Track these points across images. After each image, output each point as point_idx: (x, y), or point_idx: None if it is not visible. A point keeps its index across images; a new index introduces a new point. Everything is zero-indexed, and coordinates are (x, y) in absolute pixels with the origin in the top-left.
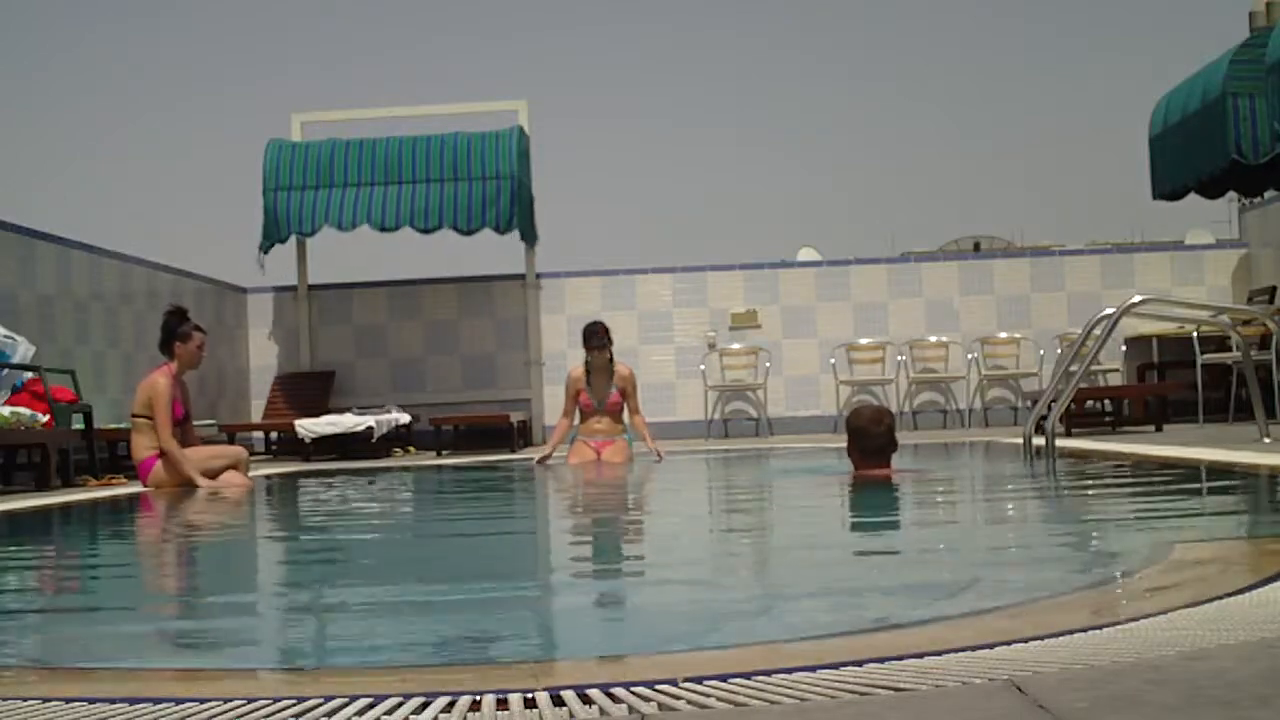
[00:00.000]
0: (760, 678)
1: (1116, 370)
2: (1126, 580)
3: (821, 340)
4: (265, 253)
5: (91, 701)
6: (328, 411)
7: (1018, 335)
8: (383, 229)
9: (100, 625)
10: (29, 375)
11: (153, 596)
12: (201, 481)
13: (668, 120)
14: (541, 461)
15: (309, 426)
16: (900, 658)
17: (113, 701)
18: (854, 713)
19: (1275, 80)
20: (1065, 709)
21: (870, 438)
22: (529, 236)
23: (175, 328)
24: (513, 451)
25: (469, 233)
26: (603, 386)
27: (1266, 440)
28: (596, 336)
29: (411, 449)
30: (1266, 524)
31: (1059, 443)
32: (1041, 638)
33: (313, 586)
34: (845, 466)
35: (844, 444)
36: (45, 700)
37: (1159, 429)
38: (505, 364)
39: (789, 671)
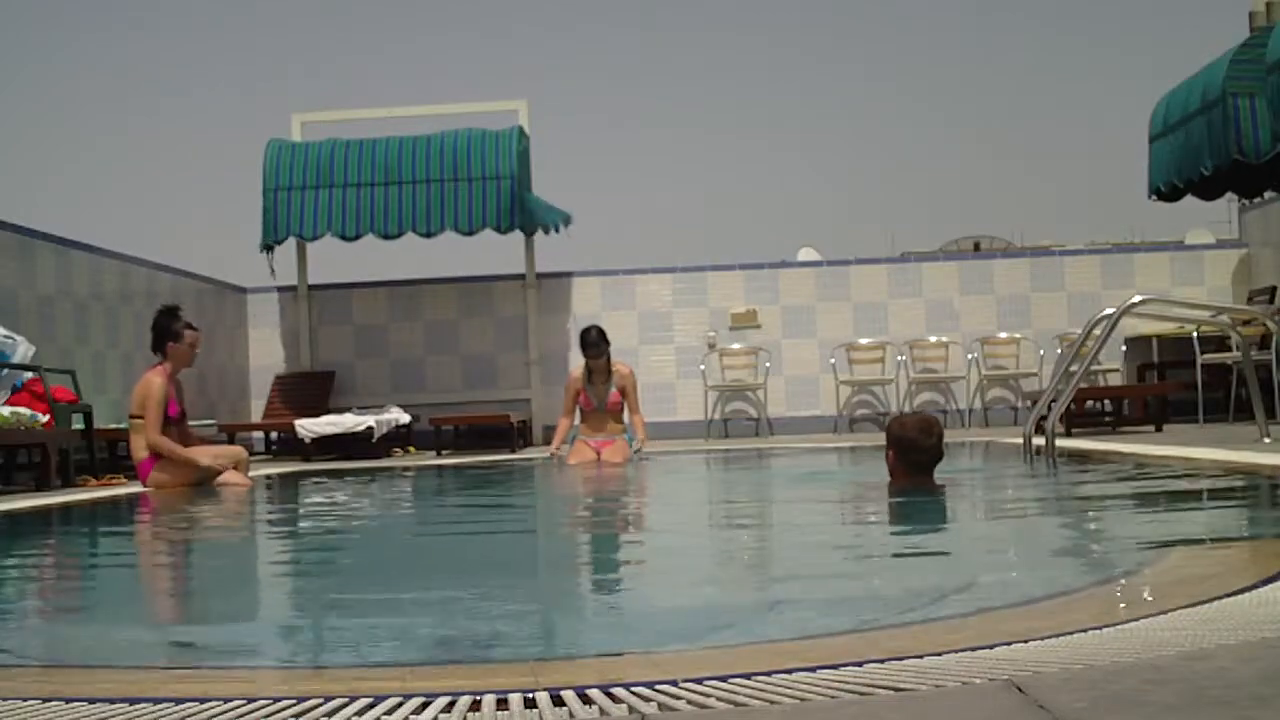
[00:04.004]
0: (760, 678)
1: (1116, 370)
2: (1126, 580)
3: (821, 340)
4: (267, 252)
5: (91, 701)
6: (328, 411)
7: (1018, 335)
8: (385, 236)
9: (100, 625)
10: (29, 375)
11: (152, 596)
12: (203, 462)
13: (668, 120)
14: (556, 451)
15: (309, 426)
16: (900, 658)
17: (112, 701)
18: (854, 713)
19: (1275, 80)
20: (1065, 709)
21: (920, 450)
22: (528, 237)
23: (167, 327)
24: (513, 451)
25: (470, 234)
26: (602, 386)
27: (1266, 440)
28: (593, 346)
29: (411, 449)
30: (1266, 524)
31: (1059, 443)
32: (1041, 638)
33: (312, 586)
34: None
35: (844, 445)
36: (45, 700)
37: (1159, 429)
38: (505, 364)
39: (789, 672)
